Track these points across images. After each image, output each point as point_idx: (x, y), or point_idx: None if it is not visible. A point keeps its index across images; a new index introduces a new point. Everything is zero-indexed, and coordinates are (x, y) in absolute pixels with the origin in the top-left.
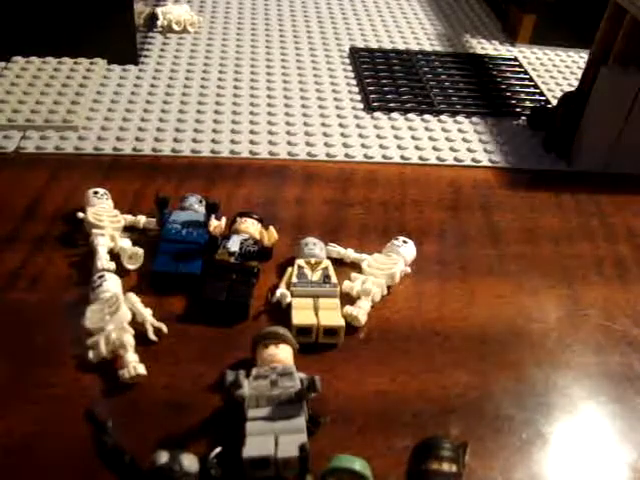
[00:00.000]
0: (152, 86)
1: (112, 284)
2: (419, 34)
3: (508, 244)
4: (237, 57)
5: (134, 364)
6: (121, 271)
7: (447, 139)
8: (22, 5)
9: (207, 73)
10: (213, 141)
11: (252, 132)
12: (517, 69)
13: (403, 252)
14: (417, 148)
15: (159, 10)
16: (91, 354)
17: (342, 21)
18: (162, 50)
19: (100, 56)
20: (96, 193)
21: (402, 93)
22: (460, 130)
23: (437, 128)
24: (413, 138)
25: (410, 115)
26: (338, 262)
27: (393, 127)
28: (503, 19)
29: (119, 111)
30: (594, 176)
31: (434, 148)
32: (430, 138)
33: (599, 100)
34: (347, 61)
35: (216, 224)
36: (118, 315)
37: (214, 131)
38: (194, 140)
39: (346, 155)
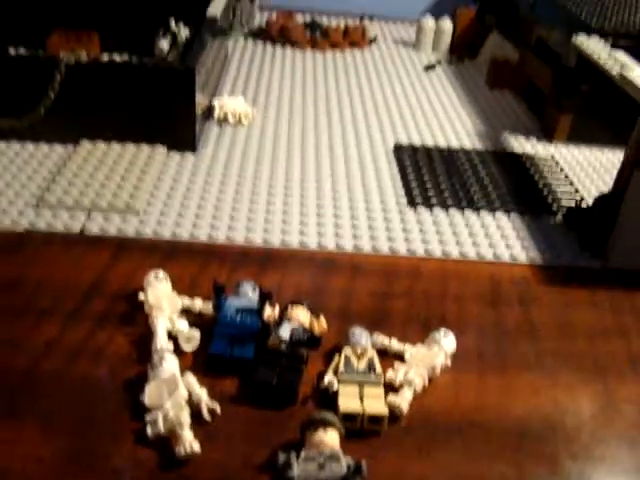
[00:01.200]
0: (208, 174)
1: (171, 364)
2: (460, 131)
3: (545, 339)
4: (288, 149)
5: (189, 442)
6: (178, 351)
7: (486, 235)
8: (92, 95)
9: (260, 165)
10: (265, 231)
11: (302, 223)
12: (554, 167)
13: (444, 344)
14: (458, 244)
15: (216, 102)
16: (149, 430)
17: (387, 117)
18: (218, 140)
19: (161, 143)
20: (157, 276)
21: (443, 189)
22: (499, 227)
23: (477, 224)
24: (454, 234)
25: (451, 211)
26: (382, 352)
27: (435, 222)
28: (540, 118)
29: (177, 198)
30: (629, 275)
31: (474, 244)
32: (470, 234)
33: (634, 202)
34: (391, 156)
35: (270, 312)
36: (176, 394)
37: (266, 221)
38: (247, 229)
39: (390, 249)
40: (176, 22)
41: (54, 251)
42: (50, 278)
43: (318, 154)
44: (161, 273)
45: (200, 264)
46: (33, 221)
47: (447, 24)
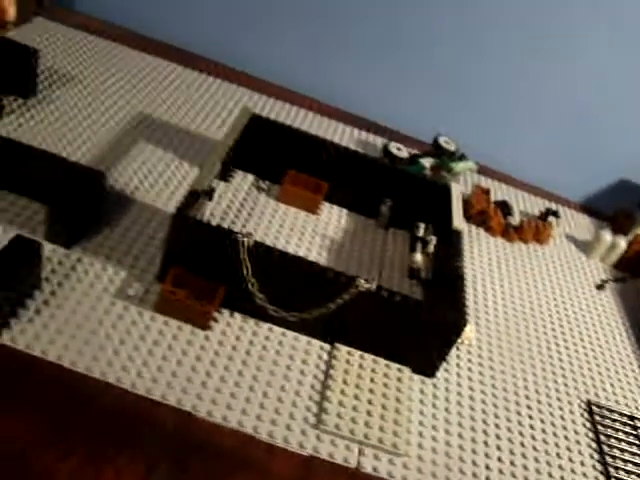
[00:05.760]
0: (447, 411)
1: None
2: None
3: None
4: (502, 379)
5: None
6: None
7: None
8: (358, 310)
9: (483, 404)
10: None
11: (513, 476)
12: None
13: None
14: None
15: None
16: None
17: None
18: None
19: (406, 365)
20: None
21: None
22: None
23: None
24: None
25: None
26: None
27: None
28: None
29: (428, 439)
30: None
31: None
32: None
33: None
34: (578, 413)
35: None
36: None
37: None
38: None
39: None
40: (425, 229)
41: None
42: None
43: (526, 397)
44: None
45: None
46: (315, 445)
47: (622, 242)
